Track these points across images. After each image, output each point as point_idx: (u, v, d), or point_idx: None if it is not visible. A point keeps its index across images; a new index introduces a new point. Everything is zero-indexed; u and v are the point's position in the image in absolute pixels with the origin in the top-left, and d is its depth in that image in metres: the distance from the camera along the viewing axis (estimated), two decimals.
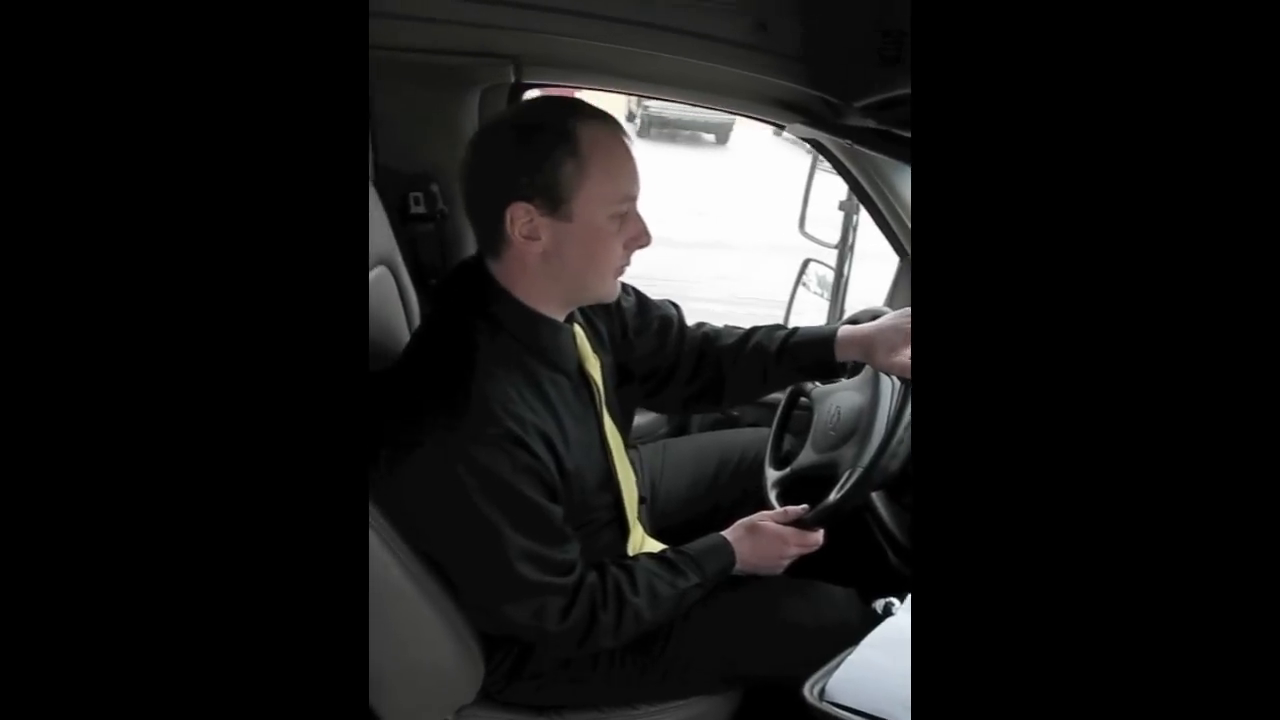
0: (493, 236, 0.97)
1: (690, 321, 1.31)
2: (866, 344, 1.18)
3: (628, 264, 1.02)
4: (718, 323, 1.34)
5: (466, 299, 1.01)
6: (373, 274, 1.18)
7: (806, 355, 1.23)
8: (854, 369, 1.32)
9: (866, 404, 1.24)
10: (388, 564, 0.99)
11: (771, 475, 1.32)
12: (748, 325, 1.31)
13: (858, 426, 1.24)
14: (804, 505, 1.19)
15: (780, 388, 1.34)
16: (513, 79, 1.45)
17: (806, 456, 1.30)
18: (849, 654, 0.83)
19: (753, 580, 1.18)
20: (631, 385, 1.22)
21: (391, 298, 1.29)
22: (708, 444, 1.48)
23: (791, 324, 1.29)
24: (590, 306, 1.13)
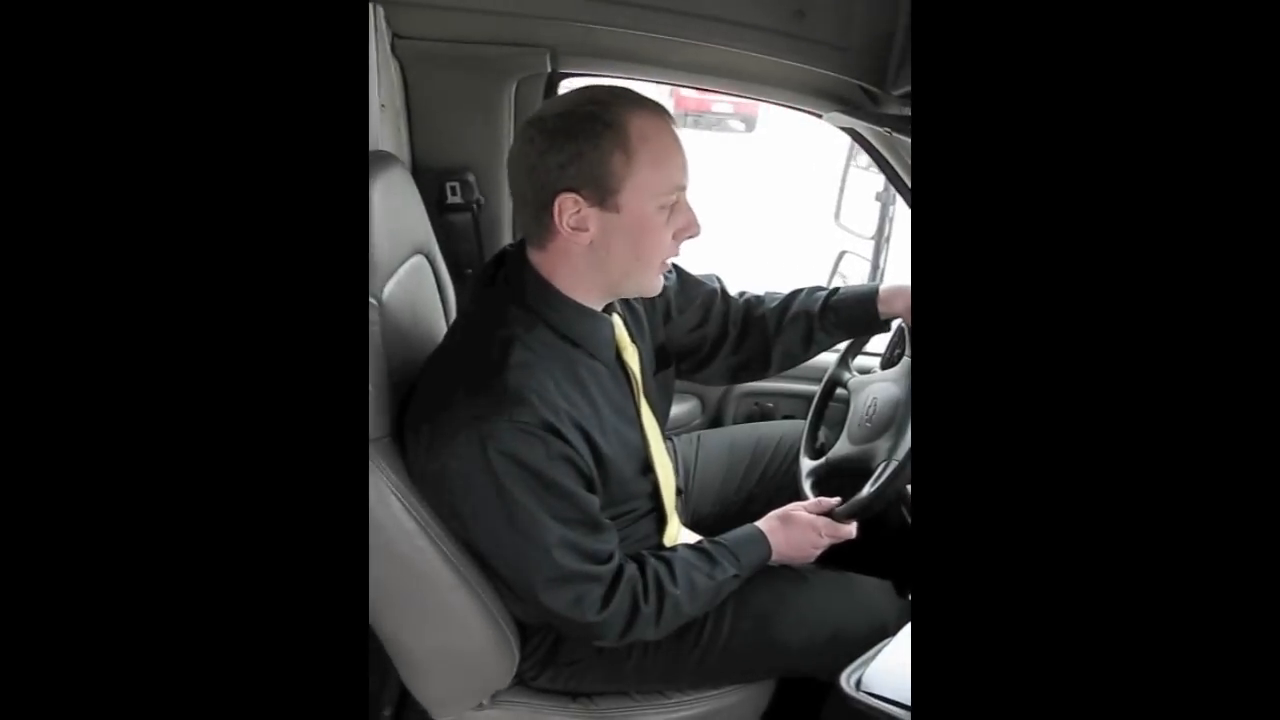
0: (539, 227, 0.97)
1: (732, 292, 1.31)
2: (908, 299, 1.19)
3: (676, 255, 1.01)
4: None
5: (506, 288, 1.01)
6: (409, 263, 1.19)
7: (850, 312, 1.25)
8: (891, 360, 1.31)
9: (903, 396, 1.23)
10: (424, 549, 1.01)
11: (806, 465, 1.32)
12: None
13: (894, 419, 1.22)
14: (837, 498, 1.19)
15: (826, 348, 1.33)
16: (548, 69, 1.45)
17: (842, 447, 1.29)
18: (886, 644, 0.82)
19: (788, 571, 1.18)
20: (669, 370, 1.22)
21: (428, 286, 1.30)
22: (742, 436, 1.48)
23: None
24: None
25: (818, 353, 1.33)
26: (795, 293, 1.30)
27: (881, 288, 1.25)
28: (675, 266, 1.24)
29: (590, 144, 0.92)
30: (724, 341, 1.29)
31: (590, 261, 0.97)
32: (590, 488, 0.99)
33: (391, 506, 0.98)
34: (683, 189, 0.97)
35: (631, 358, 1.09)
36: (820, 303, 1.26)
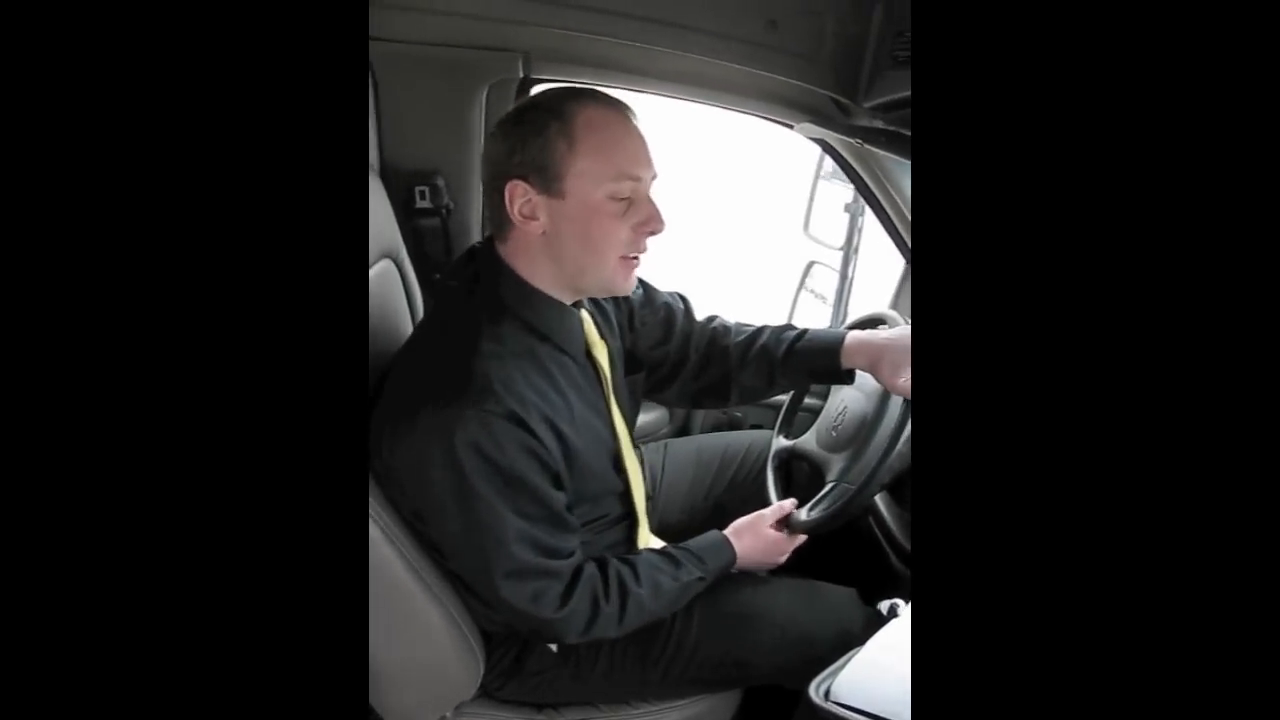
0: (498, 217, 0.98)
1: (701, 315, 1.30)
2: (874, 356, 1.17)
3: (640, 251, 1.00)
4: (728, 316, 1.33)
5: (473, 280, 1.01)
6: (376, 267, 1.18)
7: (813, 361, 1.23)
8: None
9: (870, 415, 1.24)
10: (389, 558, 0.99)
11: (776, 444, 1.35)
12: (757, 322, 1.30)
13: (855, 437, 1.24)
14: (794, 504, 1.20)
15: (787, 390, 1.34)
16: (521, 74, 1.44)
17: (807, 441, 1.31)
18: (855, 654, 0.82)
19: (754, 578, 1.18)
20: (639, 376, 1.22)
21: (395, 291, 1.28)
22: (710, 445, 1.48)
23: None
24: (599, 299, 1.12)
25: (779, 394, 1.33)
26: (761, 330, 1.27)
27: (846, 338, 1.21)
28: (642, 280, 1.24)
29: (534, 131, 0.93)
30: (684, 364, 1.27)
31: (546, 253, 0.97)
32: (557, 483, 0.98)
33: None
34: (637, 180, 0.96)
35: (601, 354, 1.09)
36: (785, 346, 1.24)
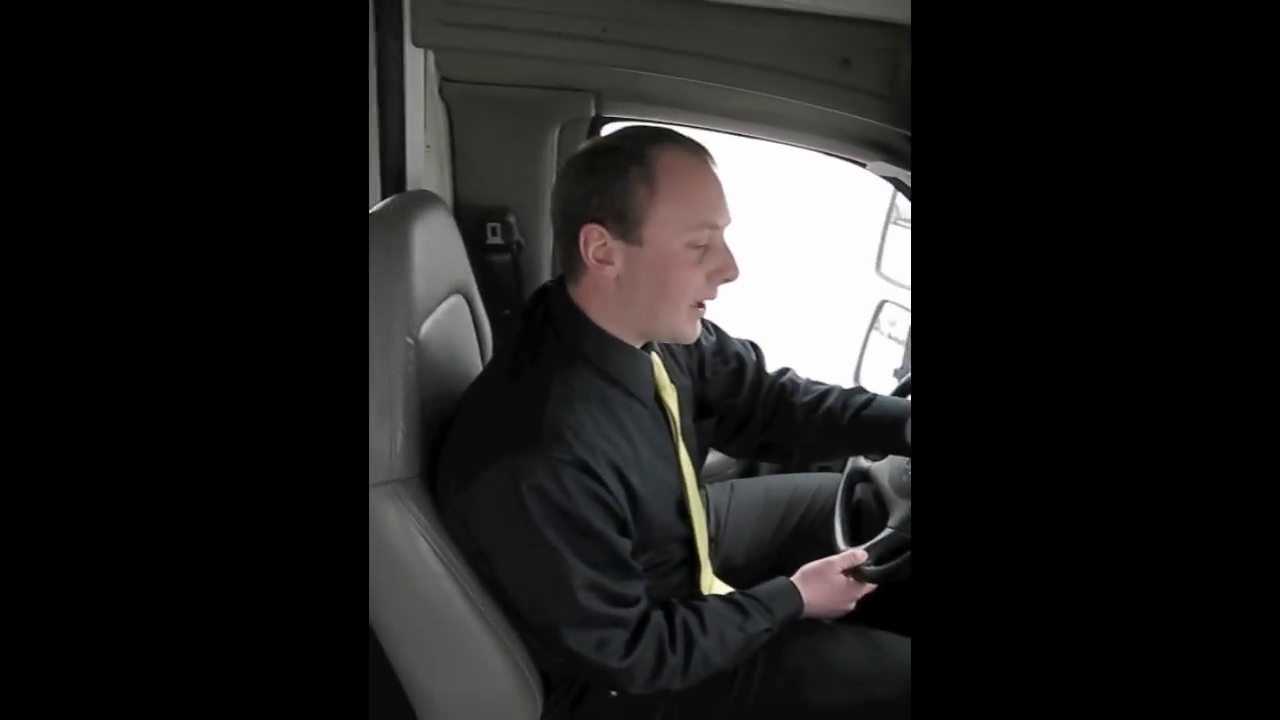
0: (570, 260, 0.98)
1: (773, 360, 1.28)
2: None
3: (710, 297, 0.99)
4: (799, 369, 1.31)
5: (544, 321, 1.01)
6: (447, 302, 1.19)
7: (876, 432, 1.20)
8: None
9: None
10: (449, 592, 0.99)
11: (853, 462, 1.31)
12: (824, 379, 1.28)
13: None
14: (865, 554, 1.16)
15: (849, 455, 1.31)
16: (593, 113, 1.46)
17: (881, 470, 1.27)
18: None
19: (817, 627, 1.14)
20: (709, 420, 1.20)
21: (465, 325, 1.30)
22: (777, 487, 1.44)
23: (865, 368, 1.26)
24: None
25: (841, 458, 1.31)
26: (829, 391, 1.25)
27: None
28: (715, 327, 1.22)
29: (614, 175, 0.92)
30: (751, 419, 1.26)
31: (619, 297, 0.97)
32: (623, 530, 0.97)
33: (419, 549, 0.97)
34: (715, 228, 0.96)
35: (670, 398, 1.08)
36: (851, 412, 1.21)
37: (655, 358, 1.06)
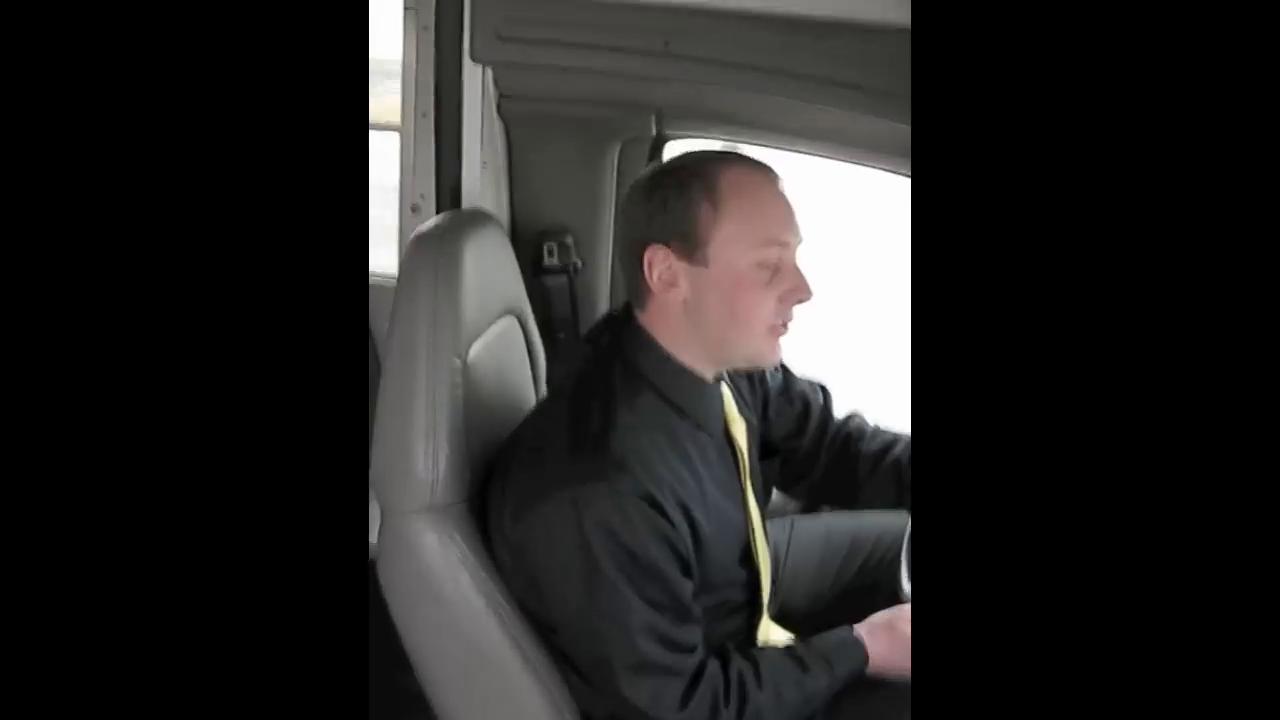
0: (635, 284, 0.95)
1: (843, 396, 1.23)
2: None
3: (787, 320, 0.95)
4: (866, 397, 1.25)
5: (612, 349, 0.97)
6: (499, 324, 1.17)
7: None
8: None
9: None
10: (490, 629, 0.95)
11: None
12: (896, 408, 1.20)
13: None
14: None
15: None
16: (654, 131, 1.42)
17: None
18: None
19: (884, 689, 1.05)
20: (775, 459, 1.15)
21: (517, 348, 1.26)
22: (839, 527, 1.37)
23: None
24: (735, 375, 1.06)
25: (908, 507, 1.23)
26: (896, 440, 1.20)
27: None
28: (782, 365, 1.17)
29: (676, 194, 0.89)
30: (815, 462, 1.21)
31: (688, 322, 0.93)
32: (686, 570, 0.92)
33: (460, 581, 0.93)
34: (784, 246, 0.91)
35: (739, 432, 1.03)
36: None
37: (726, 390, 1.01)
